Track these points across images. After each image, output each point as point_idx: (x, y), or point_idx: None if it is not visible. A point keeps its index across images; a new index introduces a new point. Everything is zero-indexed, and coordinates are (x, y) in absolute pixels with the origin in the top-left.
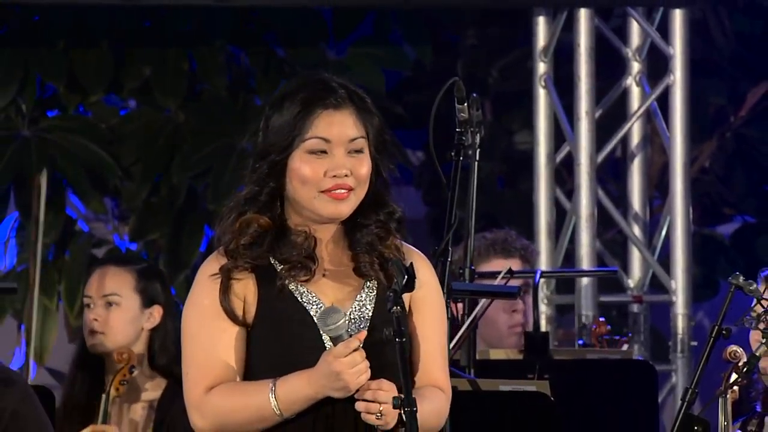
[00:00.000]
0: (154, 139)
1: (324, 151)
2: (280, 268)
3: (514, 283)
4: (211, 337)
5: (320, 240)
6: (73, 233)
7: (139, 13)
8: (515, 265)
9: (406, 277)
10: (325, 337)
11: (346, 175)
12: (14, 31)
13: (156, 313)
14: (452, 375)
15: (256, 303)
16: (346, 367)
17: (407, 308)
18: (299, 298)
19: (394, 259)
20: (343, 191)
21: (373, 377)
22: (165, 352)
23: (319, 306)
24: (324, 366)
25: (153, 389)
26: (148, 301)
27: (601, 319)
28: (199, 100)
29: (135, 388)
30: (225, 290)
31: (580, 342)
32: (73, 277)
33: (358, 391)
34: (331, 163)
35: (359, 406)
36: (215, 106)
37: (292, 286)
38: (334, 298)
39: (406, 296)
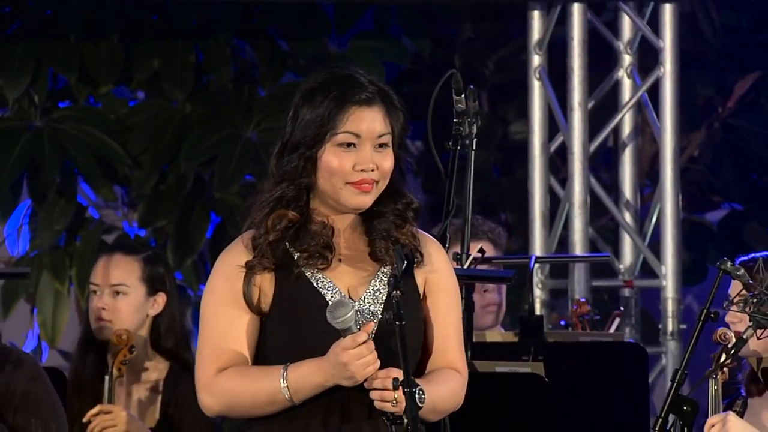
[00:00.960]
0: (162, 129)
1: (352, 145)
2: (297, 255)
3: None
4: (227, 322)
5: (338, 229)
6: (84, 220)
7: (147, 7)
8: (484, 245)
9: (405, 262)
10: None
11: (372, 170)
12: (27, 25)
13: (160, 299)
14: None
15: (272, 290)
16: (353, 358)
17: (421, 293)
18: (315, 284)
19: (395, 246)
20: (368, 184)
21: (385, 358)
22: (170, 336)
23: (334, 291)
24: (332, 356)
25: (157, 372)
26: (152, 290)
27: (582, 299)
28: (206, 92)
29: (139, 370)
30: (247, 280)
31: (562, 323)
32: (84, 263)
33: (367, 380)
34: (358, 157)
35: (374, 395)
36: (221, 97)
37: (308, 273)
38: (350, 283)
39: (420, 281)
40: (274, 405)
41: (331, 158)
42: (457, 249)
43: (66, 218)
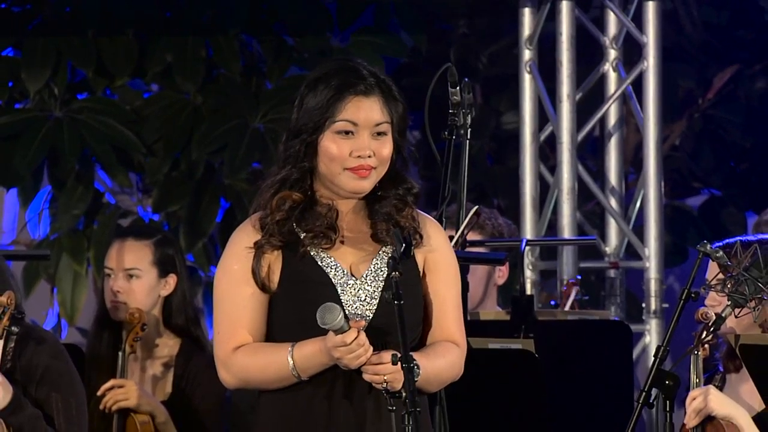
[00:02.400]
0: (175, 120)
1: (351, 132)
2: (303, 235)
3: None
4: (240, 301)
5: (342, 211)
6: (101, 205)
7: (160, 4)
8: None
9: (404, 245)
10: (344, 299)
11: (369, 156)
12: (48, 21)
13: (171, 280)
14: None
15: (280, 268)
16: (344, 354)
17: (421, 272)
18: (319, 263)
19: (394, 230)
20: (365, 170)
21: (386, 333)
22: (181, 314)
23: (337, 269)
24: (327, 348)
25: (168, 348)
26: (164, 272)
27: (571, 281)
28: (216, 84)
29: (152, 347)
30: (256, 259)
31: (552, 303)
32: (101, 245)
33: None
34: (356, 144)
35: (366, 378)
36: (230, 90)
37: (313, 252)
38: (352, 262)
39: (420, 260)
40: (284, 381)
41: (330, 144)
42: (452, 233)
43: (84, 203)
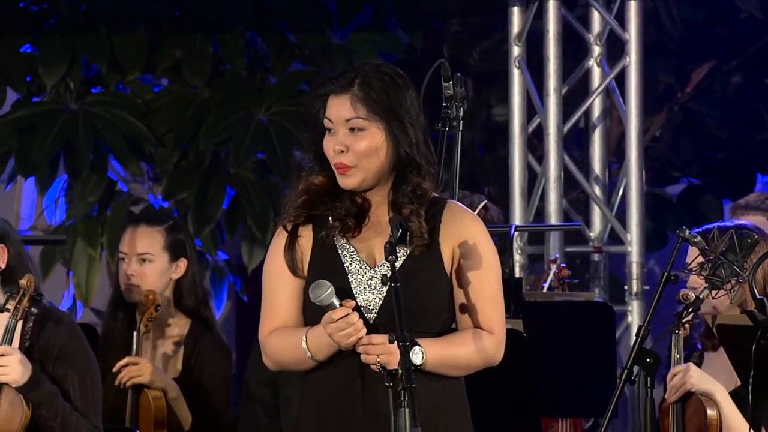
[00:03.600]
0: (184, 112)
1: (331, 130)
2: (332, 222)
3: None
4: (276, 288)
5: (369, 202)
6: (114, 193)
7: (170, 3)
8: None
9: (399, 231)
10: (354, 286)
11: (342, 151)
12: (63, 19)
13: (182, 264)
14: None
15: (309, 255)
16: (334, 331)
17: (447, 262)
18: (340, 251)
19: (390, 217)
20: (342, 167)
21: (410, 316)
22: (191, 296)
23: (354, 258)
24: (323, 327)
25: (179, 328)
26: (174, 256)
27: (563, 265)
28: (222, 79)
29: (163, 327)
30: (289, 247)
31: (544, 284)
32: (114, 231)
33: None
34: (334, 140)
35: (362, 358)
36: (236, 84)
37: (338, 241)
38: (370, 251)
39: (447, 251)
40: (305, 362)
41: (325, 143)
42: None
43: (98, 191)
